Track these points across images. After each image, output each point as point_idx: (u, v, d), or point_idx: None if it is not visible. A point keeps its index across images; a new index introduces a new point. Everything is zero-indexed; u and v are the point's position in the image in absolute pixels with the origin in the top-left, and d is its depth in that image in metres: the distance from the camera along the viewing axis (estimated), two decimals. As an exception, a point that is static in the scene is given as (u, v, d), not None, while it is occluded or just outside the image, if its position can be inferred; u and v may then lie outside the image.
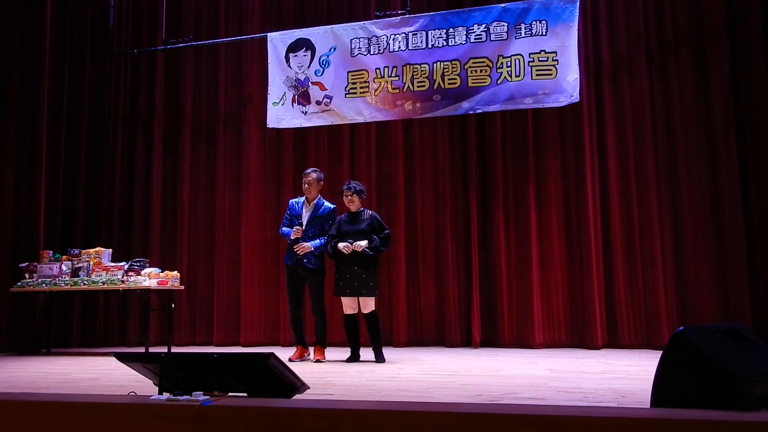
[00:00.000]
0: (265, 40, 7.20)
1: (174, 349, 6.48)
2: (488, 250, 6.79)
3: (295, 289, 5.63)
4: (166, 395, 2.59)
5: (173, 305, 6.62)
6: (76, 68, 7.82)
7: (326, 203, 5.77)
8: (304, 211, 5.71)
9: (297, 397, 2.86)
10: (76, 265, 6.44)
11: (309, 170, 5.84)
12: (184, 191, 7.77)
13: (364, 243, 5.32)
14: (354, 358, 5.41)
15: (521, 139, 6.82)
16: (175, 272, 6.57)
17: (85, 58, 7.88)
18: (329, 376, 4.47)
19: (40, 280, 6.43)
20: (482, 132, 6.95)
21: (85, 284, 6.33)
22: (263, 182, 7.52)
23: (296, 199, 5.86)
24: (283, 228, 5.79)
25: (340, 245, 5.35)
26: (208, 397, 2.53)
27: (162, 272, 6.45)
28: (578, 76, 6.09)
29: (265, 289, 7.31)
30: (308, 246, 5.50)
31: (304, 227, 5.60)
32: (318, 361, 5.41)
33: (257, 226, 7.42)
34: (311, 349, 5.61)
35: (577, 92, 6.09)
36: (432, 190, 7.05)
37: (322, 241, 5.56)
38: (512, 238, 6.75)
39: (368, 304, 5.36)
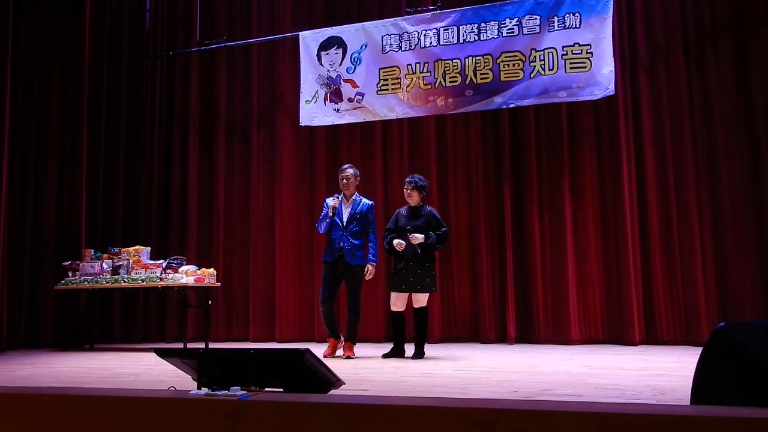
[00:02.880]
0: (296, 39, 7.26)
1: (211, 345, 6.58)
2: (523, 246, 6.73)
3: (331, 286, 5.60)
4: (204, 390, 2.63)
5: (210, 302, 6.73)
6: (114, 71, 8.01)
7: (364, 200, 5.73)
8: (342, 208, 5.64)
9: (332, 392, 2.88)
10: (117, 263, 6.59)
11: (345, 166, 5.80)
12: (220, 189, 7.89)
13: (420, 237, 5.30)
14: (399, 353, 5.39)
15: (555, 133, 6.74)
16: (212, 269, 6.68)
17: (123, 61, 8.08)
18: (364, 372, 4.49)
19: (82, 278, 6.60)
20: (515, 126, 6.90)
21: (125, 282, 6.48)
22: (297, 180, 7.58)
23: (332, 197, 5.73)
24: (321, 224, 5.71)
25: (395, 242, 5.36)
26: (246, 392, 2.57)
27: (199, 269, 6.55)
28: (613, 69, 5.99)
29: (300, 285, 7.38)
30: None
31: (344, 224, 5.57)
32: (348, 357, 5.40)
33: (291, 224, 7.49)
34: (342, 341, 5.58)
35: (613, 85, 5.99)
36: (465, 186, 7.02)
37: (374, 250, 5.58)
38: (547, 233, 6.68)
39: (421, 300, 5.37)
